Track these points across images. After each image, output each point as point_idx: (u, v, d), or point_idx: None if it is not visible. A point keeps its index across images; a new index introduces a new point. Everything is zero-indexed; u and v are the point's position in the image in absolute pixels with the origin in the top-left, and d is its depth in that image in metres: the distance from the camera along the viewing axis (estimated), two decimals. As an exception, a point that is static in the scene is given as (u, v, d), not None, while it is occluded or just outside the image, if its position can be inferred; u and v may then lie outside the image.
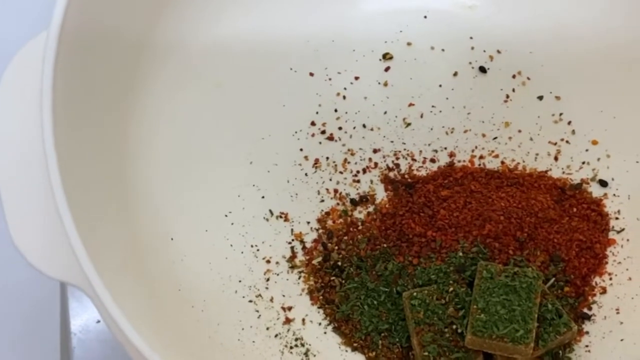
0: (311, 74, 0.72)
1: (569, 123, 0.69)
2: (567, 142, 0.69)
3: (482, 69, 0.72)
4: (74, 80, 0.52)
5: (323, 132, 0.70)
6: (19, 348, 0.71)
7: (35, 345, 0.71)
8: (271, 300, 0.63)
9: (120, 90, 0.62)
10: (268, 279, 0.64)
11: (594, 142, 0.69)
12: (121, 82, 0.62)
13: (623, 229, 0.65)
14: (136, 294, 0.53)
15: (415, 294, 0.60)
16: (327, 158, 0.69)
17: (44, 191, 0.49)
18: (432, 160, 0.69)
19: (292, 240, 0.66)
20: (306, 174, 0.68)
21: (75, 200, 0.47)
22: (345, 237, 0.65)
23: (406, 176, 0.68)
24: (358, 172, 0.68)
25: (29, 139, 0.50)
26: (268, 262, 0.65)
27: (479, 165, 0.68)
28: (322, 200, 0.67)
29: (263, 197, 0.67)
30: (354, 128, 0.70)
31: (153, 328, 0.49)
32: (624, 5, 0.71)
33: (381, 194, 0.67)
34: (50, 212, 0.48)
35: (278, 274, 0.64)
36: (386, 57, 0.72)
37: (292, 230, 0.66)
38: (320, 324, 0.63)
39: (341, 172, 0.68)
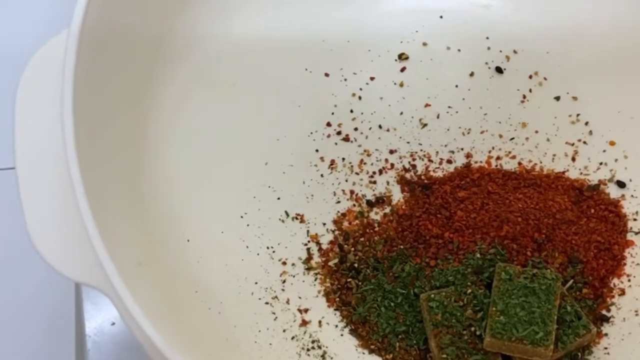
0: (327, 75, 0.71)
1: (586, 124, 0.69)
2: (584, 142, 0.69)
3: (499, 69, 0.71)
4: (94, 80, 0.52)
5: (339, 132, 0.69)
6: (35, 350, 0.71)
7: (50, 348, 0.71)
8: (287, 302, 0.63)
9: (138, 90, 0.61)
10: (284, 281, 0.64)
11: (612, 143, 0.68)
12: (138, 83, 0.61)
13: (641, 230, 0.65)
14: (154, 295, 0.53)
15: (432, 295, 0.60)
16: (343, 159, 0.68)
17: (63, 193, 0.48)
18: (449, 161, 0.68)
19: (308, 241, 0.65)
20: (322, 175, 0.68)
21: (95, 201, 0.47)
22: (362, 239, 0.65)
23: (423, 177, 0.68)
24: (374, 173, 0.68)
25: (49, 139, 0.50)
26: (284, 263, 0.64)
27: (496, 166, 0.68)
28: (338, 202, 0.67)
29: (279, 198, 0.67)
30: (370, 129, 0.70)
31: (171, 329, 0.49)
32: (641, 6, 0.71)
33: (397, 195, 0.67)
34: (69, 213, 0.47)
35: (294, 276, 0.64)
36: (402, 57, 0.72)
37: (308, 231, 0.66)
38: (337, 326, 0.62)
39: (357, 173, 0.68)
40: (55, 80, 0.49)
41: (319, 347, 0.61)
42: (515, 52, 0.72)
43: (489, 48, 0.72)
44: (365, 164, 0.68)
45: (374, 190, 0.67)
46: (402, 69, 0.72)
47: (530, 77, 0.71)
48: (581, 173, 0.67)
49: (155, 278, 0.56)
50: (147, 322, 0.43)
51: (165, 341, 0.43)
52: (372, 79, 0.71)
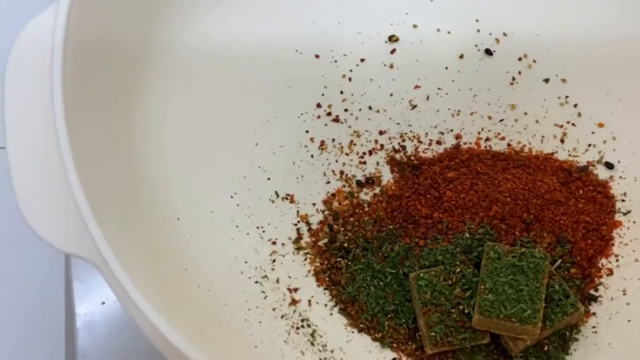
0: (317, 56, 0.71)
1: (575, 106, 0.69)
2: (573, 124, 0.69)
3: (488, 52, 0.72)
4: (82, 67, 0.52)
5: (329, 114, 0.69)
6: (25, 329, 0.71)
7: (40, 326, 0.71)
8: (277, 281, 0.63)
9: (129, 75, 0.62)
10: (274, 260, 0.64)
11: (600, 125, 0.69)
12: (128, 66, 0.62)
13: (629, 211, 0.65)
14: (143, 272, 0.53)
15: (422, 275, 0.60)
16: (333, 140, 0.69)
17: (54, 169, 0.48)
18: (438, 142, 0.68)
19: (298, 221, 0.66)
20: (312, 156, 0.68)
21: (86, 177, 0.47)
22: (352, 219, 0.65)
23: (412, 158, 0.68)
24: (364, 153, 0.68)
25: (38, 116, 0.50)
26: (274, 243, 0.64)
27: (485, 147, 0.68)
28: (328, 182, 0.67)
29: (269, 178, 0.67)
30: (360, 110, 0.70)
31: (161, 303, 0.49)
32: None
33: (387, 176, 0.67)
34: (60, 190, 0.47)
35: (284, 256, 0.64)
36: (392, 39, 0.72)
37: (297, 211, 0.66)
38: (326, 305, 0.63)
39: (347, 154, 0.68)
40: (42, 57, 0.50)
41: (309, 326, 0.61)
42: (504, 34, 0.72)
43: (478, 30, 0.72)
44: (355, 144, 0.68)
45: (363, 171, 0.68)
46: (392, 51, 0.72)
47: (520, 59, 0.71)
48: (570, 154, 0.68)
49: (144, 255, 0.56)
50: (137, 292, 0.43)
51: (156, 312, 0.44)
52: (362, 60, 0.72)
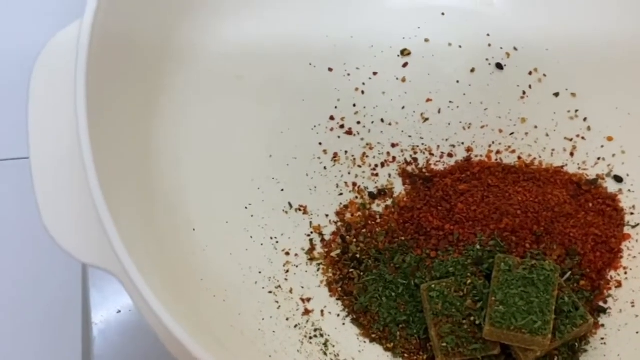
0: (330, 70, 0.72)
1: (585, 119, 0.70)
2: (582, 138, 0.70)
3: (499, 66, 0.72)
4: (104, 76, 0.53)
5: (342, 126, 0.70)
6: (42, 337, 0.72)
7: (57, 335, 0.72)
8: (290, 291, 0.64)
9: (147, 84, 0.62)
10: (287, 271, 0.65)
11: (609, 139, 0.69)
12: (147, 78, 0.62)
13: (638, 224, 0.66)
14: (161, 282, 0.54)
15: (433, 286, 0.61)
16: (346, 152, 0.69)
17: (75, 180, 0.49)
18: (450, 155, 0.69)
19: (311, 232, 0.66)
20: (325, 168, 0.69)
21: (107, 189, 0.48)
22: (364, 230, 0.66)
23: (424, 170, 0.69)
24: (376, 166, 0.69)
25: (61, 128, 0.51)
26: (287, 254, 0.65)
27: (496, 160, 0.69)
28: (341, 194, 0.68)
29: (282, 190, 0.68)
30: (373, 123, 0.71)
31: (179, 312, 0.50)
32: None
33: (399, 188, 0.68)
34: (82, 201, 0.48)
35: (297, 266, 0.65)
36: (404, 53, 0.73)
37: (310, 222, 0.67)
38: (338, 315, 0.63)
39: (360, 166, 0.69)
40: (66, 70, 0.51)
41: (321, 336, 0.62)
42: (515, 49, 0.73)
43: (489, 45, 0.73)
44: (367, 157, 0.69)
45: (376, 183, 0.68)
46: (405, 65, 0.73)
47: (530, 73, 0.72)
48: (579, 168, 0.69)
49: (161, 266, 0.57)
50: (158, 303, 0.44)
51: (175, 322, 0.44)
52: (374, 74, 0.73)
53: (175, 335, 0.44)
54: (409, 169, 0.69)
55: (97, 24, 0.50)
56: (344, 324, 0.63)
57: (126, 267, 0.44)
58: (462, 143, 0.70)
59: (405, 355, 0.61)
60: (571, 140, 0.70)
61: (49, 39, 0.53)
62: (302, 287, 0.64)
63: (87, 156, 0.45)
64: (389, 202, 0.68)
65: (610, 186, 0.68)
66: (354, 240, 0.66)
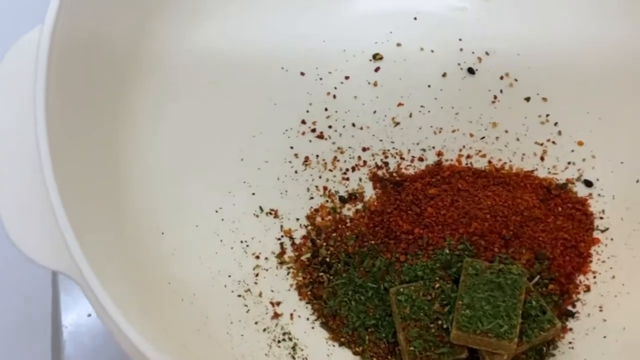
0: (302, 74, 0.73)
1: (555, 124, 0.71)
2: (553, 142, 0.70)
3: (471, 70, 0.73)
4: (67, 79, 0.53)
5: (313, 130, 0.71)
6: (10, 340, 0.72)
7: (26, 338, 0.71)
8: (260, 295, 0.64)
9: (115, 86, 0.63)
10: (257, 274, 0.65)
11: (580, 143, 0.70)
12: (115, 81, 0.63)
13: (607, 229, 0.66)
14: (126, 286, 0.54)
15: (402, 290, 0.61)
16: (317, 156, 0.70)
17: (37, 184, 0.49)
18: (420, 159, 0.70)
19: (282, 236, 0.67)
20: (296, 172, 0.69)
21: (68, 193, 0.48)
22: (334, 234, 0.66)
23: (394, 174, 0.69)
24: (347, 170, 0.69)
25: (21, 132, 0.51)
26: (257, 257, 0.65)
27: (466, 164, 0.69)
28: (312, 198, 0.68)
29: (253, 193, 0.68)
30: (344, 127, 0.71)
31: (142, 318, 0.50)
32: (611, 9, 0.72)
33: (370, 192, 0.68)
34: (43, 203, 0.48)
35: (267, 270, 0.65)
36: (376, 57, 0.73)
37: (281, 226, 0.67)
38: (308, 319, 0.64)
39: (331, 170, 0.69)
40: (27, 77, 0.51)
41: (290, 339, 0.62)
42: (487, 53, 0.73)
43: (461, 49, 0.74)
44: (338, 161, 0.70)
45: (346, 187, 0.69)
46: (376, 69, 0.73)
47: (502, 78, 0.72)
48: (549, 172, 0.69)
49: (128, 269, 0.57)
50: (115, 309, 0.44)
51: (133, 328, 0.44)
52: (346, 78, 0.73)
53: (132, 343, 0.44)
54: (380, 173, 0.69)
55: (59, 28, 0.50)
56: (313, 327, 0.63)
57: (84, 272, 0.44)
58: (433, 147, 0.70)
59: (374, 359, 0.62)
60: (542, 144, 0.70)
61: (9, 45, 0.53)
62: (272, 291, 0.64)
63: (46, 161, 0.45)
64: (360, 206, 0.68)
65: (580, 190, 0.68)
66: (324, 244, 0.66)
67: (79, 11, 0.54)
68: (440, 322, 0.60)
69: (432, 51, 0.74)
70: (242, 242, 0.66)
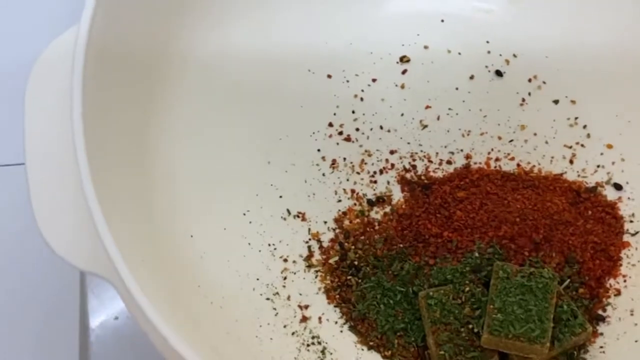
0: (329, 76, 0.72)
1: (584, 127, 0.70)
2: (582, 145, 0.70)
3: (499, 73, 0.72)
4: (100, 83, 0.53)
5: (340, 133, 0.70)
6: (39, 342, 0.72)
7: (54, 340, 0.72)
8: (288, 298, 0.64)
9: (144, 92, 0.63)
10: (285, 278, 0.65)
11: (609, 146, 0.69)
12: (144, 85, 0.63)
13: (637, 232, 0.66)
14: (157, 288, 0.54)
15: (431, 293, 0.61)
16: (345, 159, 0.69)
17: (71, 186, 0.49)
18: (449, 162, 0.69)
19: (309, 239, 0.66)
20: (323, 174, 0.69)
21: (103, 195, 0.48)
22: (362, 237, 0.66)
23: (423, 177, 0.69)
24: (375, 172, 0.69)
25: (57, 135, 0.51)
26: (285, 260, 0.65)
27: (495, 167, 0.69)
28: (339, 201, 0.68)
29: (281, 196, 0.68)
30: (371, 129, 0.71)
31: (175, 319, 0.50)
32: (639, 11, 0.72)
33: (398, 195, 0.68)
34: (78, 206, 0.48)
35: (295, 273, 0.65)
36: (403, 59, 0.73)
37: (309, 229, 0.67)
38: (336, 322, 0.63)
39: (358, 173, 0.69)
40: (62, 77, 0.51)
41: (319, 343, 0.62)
42: (515, 56, 0.73)
43: (489, 52, 0.73)
44: (366, 163, 0.69)
45: (374, 190, 0.68)
46: (404, 71, 0.73)
47: (530, 80, 0.72)
48: (579, 175, 0.68)
49: (158, 272, 0.57)
50: (153, 310, 0.44)
51: (169, 328, 0.44)
52: (373, 80, 0.72)
53: (170, 344, 0.43)
54: (408, 176, 0.69)
55: (94, 31, 0.50)
56: (341, 331, 0.63)
57: (121, 274, 0.44)
58: (461, 150, 0.70)
59: (403, 363, 0.61)
60: (570, 147, 0.69)
61: (45, 45, 0.53)
62: (300, 294, 0.64)
63: (83, 163, 0.45)
64: (388, 209, 0.67)
65: (610, 194, 0.67)
66: (352, 247, 0.66)
67: (111, 14, 0.54)
68: (470, 326, 0.59)
69: (460, 53, 0.73)
70: (269, 245, 0.66)
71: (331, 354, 0.62)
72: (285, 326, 0.62)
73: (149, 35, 0.62)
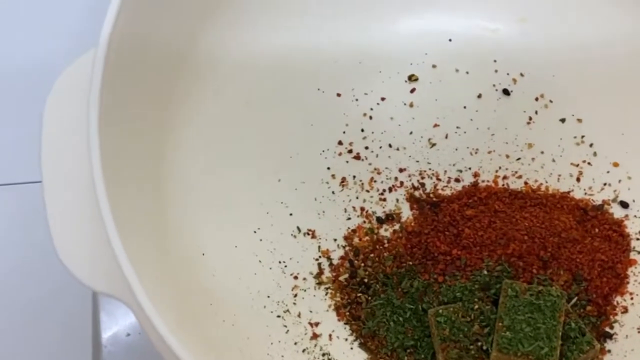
0: (338, 95, 0.73)
1: (591, 145, 0.71)
2: (589, 163, 0.70)
3: (506, 92, 0.73)
4: (118, 99, 0.53)
5: (350, 151, 0.71)
6: (51, 359, 0.72)
7: (67, 357, 0.72)
8: (299, 315, 0.64)
9: (157, 108, 0.63)
10: (296, 295, 0.65)
11: (615, 164, 0.70)
12: (160, 104, 0.63)
13: (644, 250, 0.66)
14: (170, 306, 0.54)
15: (440, 311, 0.61)
16: (354, 177, 0.70)
17: (87, 206, 0.50)
18: (457, 180, 0.70)
19: (319, 257, 0.67)
20: (333, 192, 0.69)
21: (119, 218, 0.49)
22: (372, 255, 0.67)
23: (431, 195, 0.69)
24: (384, 190, 0.70)
25: (74, 154, 0.52)
26: (295, 278, 0.66)
27: (503, 185, 0.69)
28: (349, 218, 0.69)
29: (291, 214, 0.68)
30: (380, 148, 0.71)
31: (188, 338, 0.51)
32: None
33: (407, 213, 0.69)
34: (93, 227, 0.49)
35: (305, 290, 0.65)
36: (412, 78, 0.74)
37: (319, 247, 0.67)
38: (346, 339, 0.64)
39: (367, 191, 0.70)
40: (81, 97, 0.51)
41: (330, 360, 0.63)
42: (522, 75, 0.74)
43: (496, 71, 0.74)
44: (375, 181, 0.70)
45: (383, 208, 0.69)
46: (412, 90, 0.74)
47: (537, 99, 0.73)
48: (586, 193, 0.69)
49: (171, 290, 0.58)
50: (168, 331, 0.45)
51: (186, 350, 0.45)
52: (382, 99, 0.73)
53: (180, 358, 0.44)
54: (417, 193, 0.69)
55: (111, 51, 0.51)
56: (351, 348, 0.64)
57: (137, 295, 0.45)
58: (469, 168, 0.70)
59: (413, 379, 0.62)
60: (577, 165, 0.70)
61: (66, 63, 0.54)
62: (311, 311, 0.65)
63: (99, 183, 0.46)
64: (397, 226, 0.68)
65: (617, 212, 0.68)
66: (362, 264, 0.66)
67: (132, 25, 0.55)
68: (479, 343, 0.60)
69: (467, 72, 0.74)
70: (280, 262, 0.66)
71: (341, 371, 0.62)
72: (295, 343, 0.63)
73: (165, 54, 0.63)
